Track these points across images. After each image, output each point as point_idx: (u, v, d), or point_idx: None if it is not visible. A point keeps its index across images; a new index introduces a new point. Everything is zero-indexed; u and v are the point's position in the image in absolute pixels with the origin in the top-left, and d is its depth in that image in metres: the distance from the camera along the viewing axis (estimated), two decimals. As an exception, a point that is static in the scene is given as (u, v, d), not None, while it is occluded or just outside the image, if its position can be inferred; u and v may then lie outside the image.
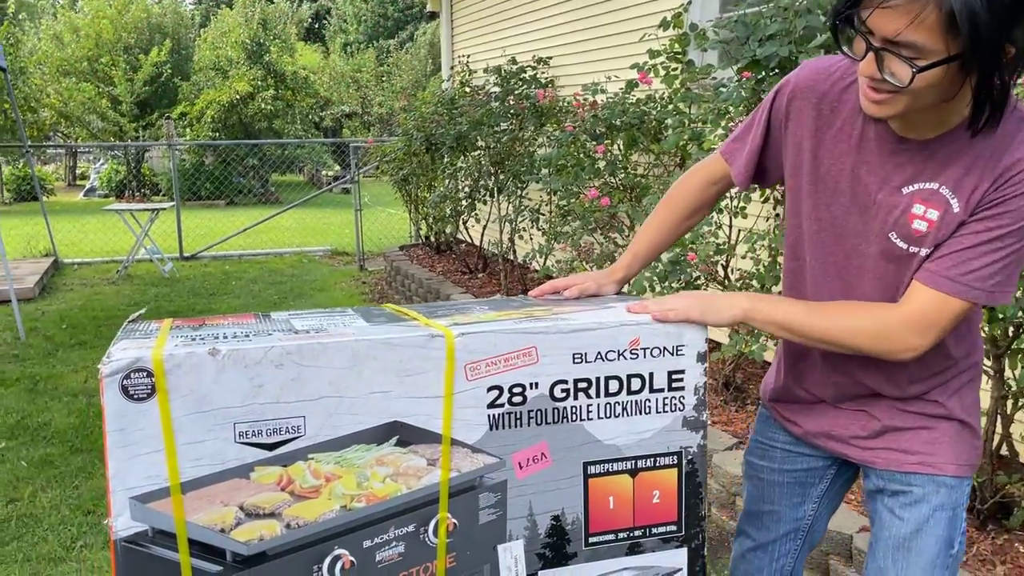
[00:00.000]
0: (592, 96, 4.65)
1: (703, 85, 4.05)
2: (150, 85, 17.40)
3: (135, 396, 1.09)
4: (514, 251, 5.92)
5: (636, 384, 1.31)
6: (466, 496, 1.25)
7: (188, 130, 17.42)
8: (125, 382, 1.09)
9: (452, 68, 7.80)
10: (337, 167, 20.84)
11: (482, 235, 6.42)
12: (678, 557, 1.37)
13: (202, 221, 11.50)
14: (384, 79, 23.52)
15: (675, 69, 4.12)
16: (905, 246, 1.26)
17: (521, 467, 1.27)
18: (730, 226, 3.54)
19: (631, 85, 4.34)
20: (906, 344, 1.25)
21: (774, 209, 3.50)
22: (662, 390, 1.33)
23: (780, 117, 1.39)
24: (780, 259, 3.37)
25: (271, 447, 1.16)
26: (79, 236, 9.40)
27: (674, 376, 1.33)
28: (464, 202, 6.03)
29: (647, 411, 1.33)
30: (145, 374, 1.10)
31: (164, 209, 7.74)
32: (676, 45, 4.15)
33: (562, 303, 1.47)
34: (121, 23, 17.28)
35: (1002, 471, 2.37)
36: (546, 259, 4.53)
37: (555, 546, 1.30)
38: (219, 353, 1.12)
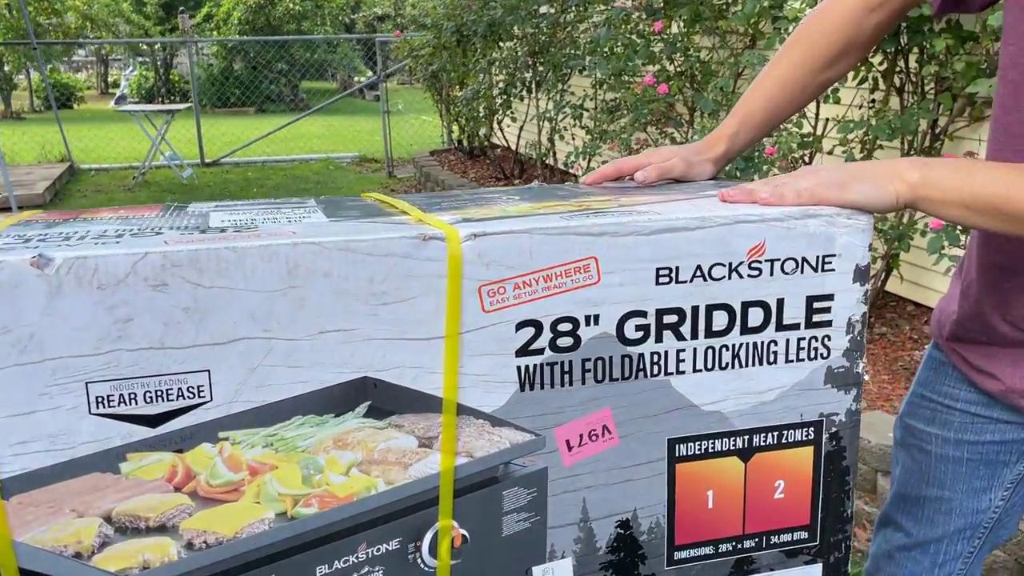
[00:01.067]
0: (647, -33, 3.98)
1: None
2: (174, -15, 16.69)
3: (-99, 338, 0.63)
4: (554, 154, 5.36)
5: (756, 317, 0.82)
6: (483, 494, 0.78)
7: (215, 33, 16.78)
8: None
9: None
10: (369, 72, 20.07)
11: (519, 137, 5.85)
12: (809, 578, 0.90)
13: (228, 127, 11.02)
14: (417, -22, 22.37)
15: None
16: None
17: (571, 448, 0.80)
18: (816, 114, 2.95)
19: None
20: None
21: (871, 93, 2.89)
22: (797, 326, 0.83)
23: None
24: (877, 153, 2.79)
25: (154, 421, 0.69)
26: (102, 143, 9.00)
27: (817, 304, 0.83)
28: (498, 99, 5.45)
29: (772, 359, 0.83)
30: (-85, 300, 0.63)
31: (180, 111, 7.27)
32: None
33: (632, 192, 0.96)
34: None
35: None
36: (590, 161, 3.98)
37: (623, 566, 0.84)
38: (51, 264, 0.65)
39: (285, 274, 0.70)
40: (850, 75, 2.93)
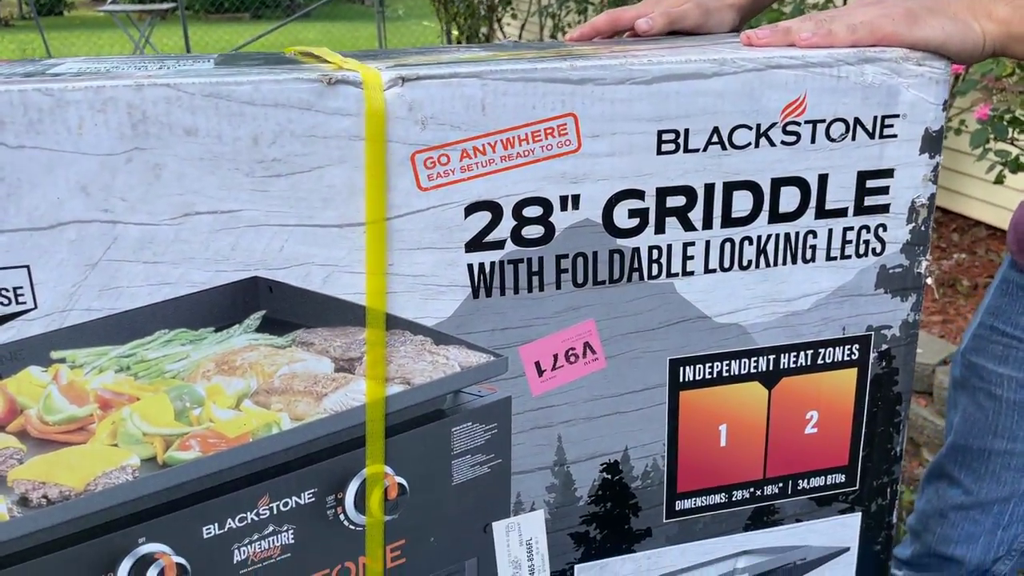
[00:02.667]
0: None
1: None
2: None
3: None
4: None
5: (791, 199, 0.61)
6: (425, 432, 0.60)
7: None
8: None
9: None
10: (369, -24, 19.25)
11: (520, 36, 5.51)
12: (845, 530, 0.72)
13: (221, 34, 10.56)
14: None
15: None
16: None
17: (542, 372, 0.61)
18: (844, -2, 2.66)
19: None
20: None
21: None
22: (844, 212, 0.63)
23: None
24: None
25: (-45, 337, 0.50)
26: (88, 49, 8.62)
27: (871, 183, 0.62)
28: (498, -6, 5.09)
29: (808, 256, 0.63)
30: None
31: (165, 11, 6.89)
32: None
33: (629, 42, 0.74)
34: None
35: None
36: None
37: (610, 519, 0.66)
38: None
39: (129, 130, 0.49)
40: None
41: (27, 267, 0.50)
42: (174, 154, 0.50)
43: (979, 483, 0.88)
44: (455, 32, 6.73)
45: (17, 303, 0.50)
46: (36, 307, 0.51)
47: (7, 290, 0.50)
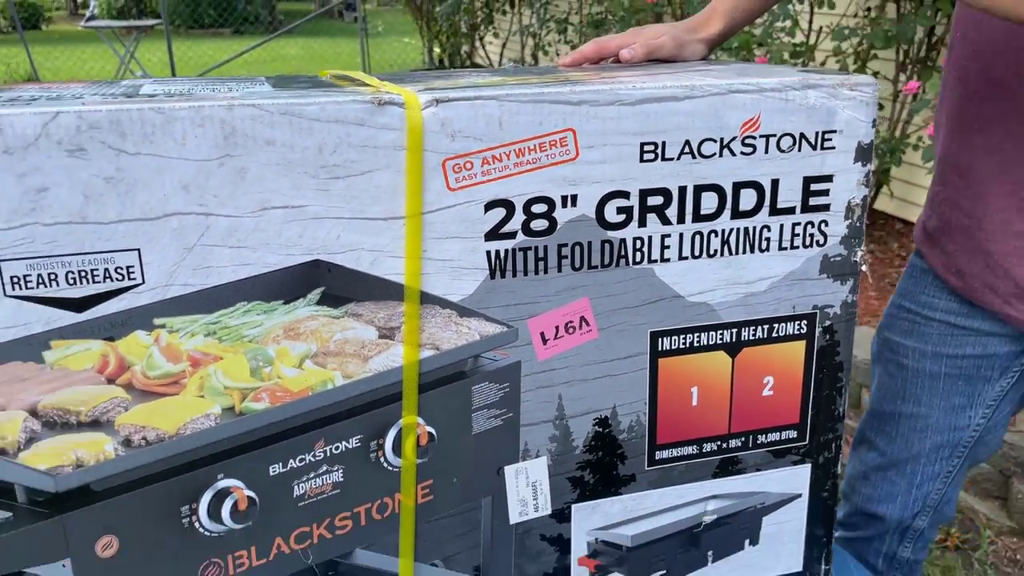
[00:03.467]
0: None
1: None
2: None
3: None
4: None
5: (748, 200, 0.75)
6: (450, 389, 0.72)
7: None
8: None
9: None
10: (349, -7, 19.41)
11: (501, 54, 5.67)
12: (797, 478, 0.85)
13: (203, 49, 10.64)
14: None
15: None
16: None
17: (545, 341, 0.74)
18: (810, 23, 2.83)
19: None
20: None
21: (867, 0, 2.77)
22: (792, 210, 0.76)
23: None
24: (871, 64, 2.69)
25: (79, 305, 0.62)
26: (71, 63, 8.67)
27: (815, 186, 0.76)
28: (480, 13, 5.25)
29: (764, 246, 0.77)
30: None
31: (150, 27, 6.98)
32: None
33: (614, 69, 0.88)
34: None
35: None
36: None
37: (601, 466, 0.79)
38: (-53, 123, 0.56)
39: (221, 140, 0.62)
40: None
41: (138, 250, 0.62)
42: (256, 160, 0.63)
43: (892, 445, 1.02)
44: (437, 50, 6.89)
45: (129, 279, 0.63)
46: (144, 282, 0.63)
47: (121, 268, 0.62)
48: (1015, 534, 1.76)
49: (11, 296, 0.60)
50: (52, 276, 0.61)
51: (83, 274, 0.61)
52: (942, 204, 0.96)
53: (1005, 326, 0.94)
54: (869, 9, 2.77)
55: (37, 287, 0.61)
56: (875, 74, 2.91)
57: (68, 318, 0.62)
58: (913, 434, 1.01)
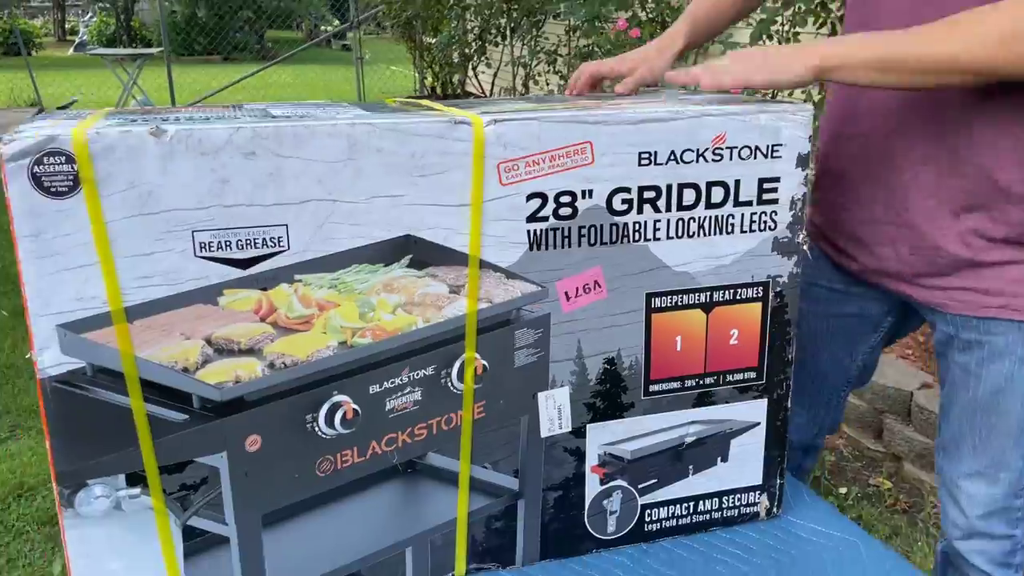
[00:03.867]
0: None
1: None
2: (136, -72, 16.28)
3: (52, 189, 0.80)
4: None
5: (718, 195, 1.02)
6: (499, 333, 0.98)
7: (177, -22, 16.43)
8: (36, 168, 0.79)
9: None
10: (337, 22, 19.80)
11: (493, 82, 5.97)
12: (757, 410, 1.11)
13: (197, 76, 10.91)
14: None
15: None
16: None
17: (568, 298, 1.00)
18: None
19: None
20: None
21: (830, 36, 3.09)
22: (750, 203, 1.03)
23: None
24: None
25: (244, 264, 0.88)
26: (69, 89, 8.90)
27: (766, 185, 1.03)
28: (473, 45, 5.56)
29: (729, 230, 1.03)
30: (64, 159, 0.80)
31: (152, 55, 7.24)
32: None
33: (614, 97, 1.15)
34: None
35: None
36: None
37: (608, 395, 1.04)
38: (165, 134, 0.82)
39: (346, 148, 0.88)
40: (810, 21, 3.13)
41: (285, 225, 0.88)
42: (369, 162, 0.89)
43: (796, 387, 1.27)
44: (429, 79, 7.19)
45: (279, 246, 0.88)
46: (288, 249, 0.88)
47: (274, 238, 0.88)
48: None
49: (199, 256, 0.86)
50: (227, 243, 0.86)
51: (248, 242, 0.87)
52: (822, 201, 1.26)
53: (876, 290, 1.22)
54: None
55: (216, 250, 0.86)
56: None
57: (235, 273, 0.87)
58: (809, 377, 1.30)
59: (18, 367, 2.71)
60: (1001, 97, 1.02)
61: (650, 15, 3.78)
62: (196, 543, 0.93)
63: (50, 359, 0.84)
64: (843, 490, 2.15)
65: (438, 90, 6.95)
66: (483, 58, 5.59)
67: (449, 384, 0.97)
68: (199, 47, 15.71)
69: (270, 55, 16.38)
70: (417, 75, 7.64)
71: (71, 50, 17.56)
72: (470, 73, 6.16)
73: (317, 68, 13.23)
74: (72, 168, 0.80)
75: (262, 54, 16.35)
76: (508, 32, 5.18)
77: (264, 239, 0.87)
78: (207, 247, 0.86)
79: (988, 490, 1.16)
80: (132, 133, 0.81)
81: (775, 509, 1.16)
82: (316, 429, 0.92)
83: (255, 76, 9.21)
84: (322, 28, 19.88)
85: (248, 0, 15.68)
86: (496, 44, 5.42)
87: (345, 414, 0.93)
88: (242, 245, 0.87)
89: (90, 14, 19.15)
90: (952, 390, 1.17)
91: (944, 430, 1.20)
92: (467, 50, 5.62)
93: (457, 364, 0.97)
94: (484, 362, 0.98)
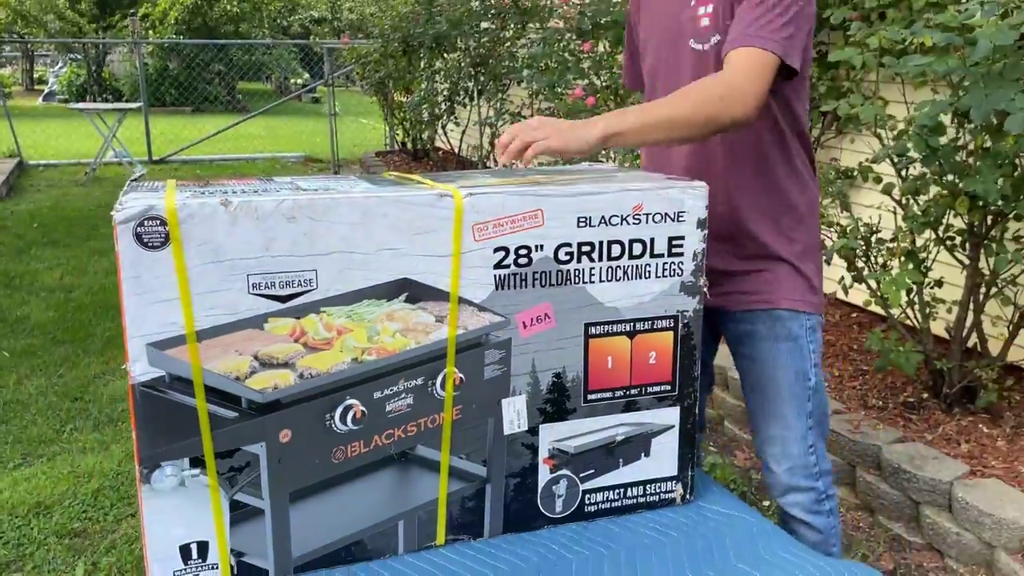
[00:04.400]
0: (577, -6, 4.55)
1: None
2: (109, -17, 16.65)
3: (149, 244, 1.10)
4: (493, 156, 5.88)
5: (637, 249, 1.35)
6: (472, 352, 1.29)
7: (150, 32, 16.77)
8: (139, 229, 1.10)
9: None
10: (306, 75, 20.27)
11: (460, 140, 6.35)
12: (671, 415, 1.43)
13: (169, 127, 11.21)
14: (355, -18, 22.66)
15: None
16: (701, 46, 1.50)
17: (525, 326, 1.31)
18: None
19: (617, -18, 4.25)
20: (743, 91, 1.39)
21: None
22: (662, 255, 1.36)
23: (632, 21, 1.73)
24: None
25: (284, 299, 1.18)
26: (42, 139, 9.13)
27: (674, 242, 1.37)
28: (443, 105, 5.95)
29: (647, 275, 1.36)
30: (158, 222, 1.10)
31: (132, 110, 7.53)
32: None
33: (557, 173, 1.48)
34: (78, -84, 16.39)
35: (972, 359, 2.48)
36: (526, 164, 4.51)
37: (556, 402, 1.36)
38: (231, 204, 1.13)
39: (361, 215, 1.19)
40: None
41: (315, 271, 1.18)
42: (378, 224, 1.20)
43: None
44: (400, 135, 7.56)
45: (310, 286, 1.19)
46: (317, 288, 1.19)
47: (306, 280, 1.18)
48: (859, 509, 2.34)
49: (251, 293, 1.16)
50: (272, 283, 1.17)
51: (287, 283, 1.17)
52: None
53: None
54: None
55: (264, 289, 1.16)
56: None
57: (277, 306, 1.18)
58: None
59: (23, 402, 2.93)
60: (732, 149, 1.49)
61: (604, 83, 4.18)
62: (239, 513, 1.22)
63: (140, 369, 1.13)
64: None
65: (408, 145, 7.33)
66: (452, 117, 5.96)
67: (434, 392, 1.28)
68: (169, 98, 16.00)
69: (240, 106, 16.75)
70: (388, 130, 8.01)
71: (40, 100, 17.74)
72: (439, 131, 6.53)
73: (287, 120, 13.57)
74: (164, 229, 1.10)
75: (232, 105, 16.70)
76: (476, 94, 5.57)
77: (299, 280, 1.18)
78: (257, 287, 1.16)
79: (784, 450, 1.52)
80: (207, 204, 1.12)
81: (688, 495, 1.47)
82: (333, 425, 1.22)
83: (232, 127, 9.52)
84: (292, 81, 20.31)
85: (221, 54, 16.05)
86: (464, 105, 5.81)
87: (355, 414, 1.23)
88: (283, 285, 1.17)
89: (60, 64, 19.37)
90: (743, 376, 1.58)
91: (749, 411, 1.58)
92: (437, 110, 6.00)
93: (440, 376, 1.27)
94: (461, 375, 1.28)
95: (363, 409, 1.23)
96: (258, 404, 1.18)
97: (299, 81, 19.73)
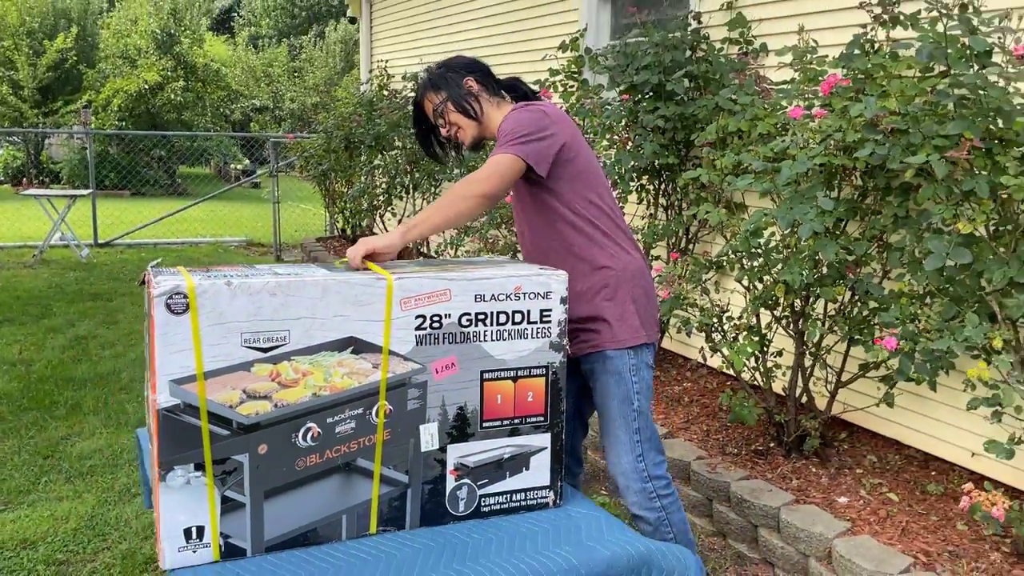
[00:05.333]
0: (499, 106, 5.24)
1: (594, 101, 4.69)
2: (53, 71, 17.07)
3: (175, 311, 1.61)
4: (427, 243, 6.45)
5: (519, 317, 1.90)
6: (399, 390, 1.81)
7: (93, 118, 17.13)
8: (169, 301, 1.60)
9: (371, 71, 8.27)
10: (246, 160, 20.81)
11: (396, 229, 6.94)
12: (545, 439, 1.96)
13: (111, 210, 11.54)
14: (296, 75, 23.56)
15: (572, 86, 4.75)
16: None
17: (437, 372, 1.84)
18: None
19: (533, 98, 4.95)
20: (481, 179, 1.95)
21: (647, 209, 4.17)
22: (536, 322, 1.92)
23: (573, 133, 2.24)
24: (653, 251, 4.04)
25: (266, 350, 1.69)
26: (3, 219, 9.36)
27: (544, 313, 1.92)
28: (381, 197, 6.53)
29: (525, 337, 1.91)
30: (182, 296, 1.61)
31: (82, 196, 7.91)
32: (573, 66, 4.79)
33: (466, 264, 2.04)
34: (26, 7, 16.88)
35: (803, 414, 3.09)
36: (456, 250, 5.09)
37: (459, 428, 1.87)
38: (232, 284, 1.64)
39: (321, 292, 1.72)
40: (634, 196, 4.21)
41: (288, 331, 1.70)
42: (333, 299, 1.73)
43: (571, 428, 2.19)
44: (340, 222, 8.10)
45: (284, 342, 1.70)
46: (289, 343, 1.70)
47: (280, 337, 1.69)
48: (714, 535, 2.87)
49: (243, 346, 1.66)
50: (258, 339, 1.67)
51: (269, 339, 1.68)
52: None
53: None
54: (651, 215, 4.15)
55: (252, 343, 1.67)
56: (657, 257, 4.27)
57: (260, 355, 1.68)
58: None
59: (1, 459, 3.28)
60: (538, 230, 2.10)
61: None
62: (227, 506, 1.68)
63: (163, 399, 1.61)
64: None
65: (348, 232, 7.86)
66: (389, 208, 6.54)
67: (370, 418, 1.78)
68: (109, 182, 16.27)
69: (180, 190, 17.13)
70: (328, 217, 8.54)
71: (24, 192, 17.78)
72: (378, 219, 7.09)
73: (227, 204, 13.98)
74: (185, 301, 1.61)
75: (172, 189, 17.04)
76: (411, 188, 6.18)
77: (277, 337, 1.69)
78: (248, 341, 1.67)
79: (618, 460, 2.06)
80: (215, 284, 1.63)
81: (558, 500, 1.99)
82: (297, 442, 1.71)
83: (178, 212, 9.92)
84: (232, 166, 20.77)
85: (163, 140, 16.48)
86: (401, 197, 6.40)
87: (313, 434, 1.72)
88: (265, 340, 1.68)
89: (-3, 146, 19.48)
90: (596, 405, 2.13)
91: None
92: (376, 201, 6.58)
93: (375, 407, 1.78)
94: (390, 407, 1.79)
95: (319, 430, 1.73)
96: (244, 425, 1.67)
97: (239, 166, 20.24)
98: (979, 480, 2.85)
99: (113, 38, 18.73)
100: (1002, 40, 2.22)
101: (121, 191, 16.32)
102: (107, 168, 16.36)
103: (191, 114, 18.40)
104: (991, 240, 2.29)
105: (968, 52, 2.20)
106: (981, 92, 2.18)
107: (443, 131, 2.20)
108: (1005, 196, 2.24)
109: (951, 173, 2.24)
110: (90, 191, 8.26)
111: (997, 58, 2.36)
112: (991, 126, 2.21)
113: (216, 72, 18.95)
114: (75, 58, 17.35)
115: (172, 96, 17.32)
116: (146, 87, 16.96)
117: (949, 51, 2.24)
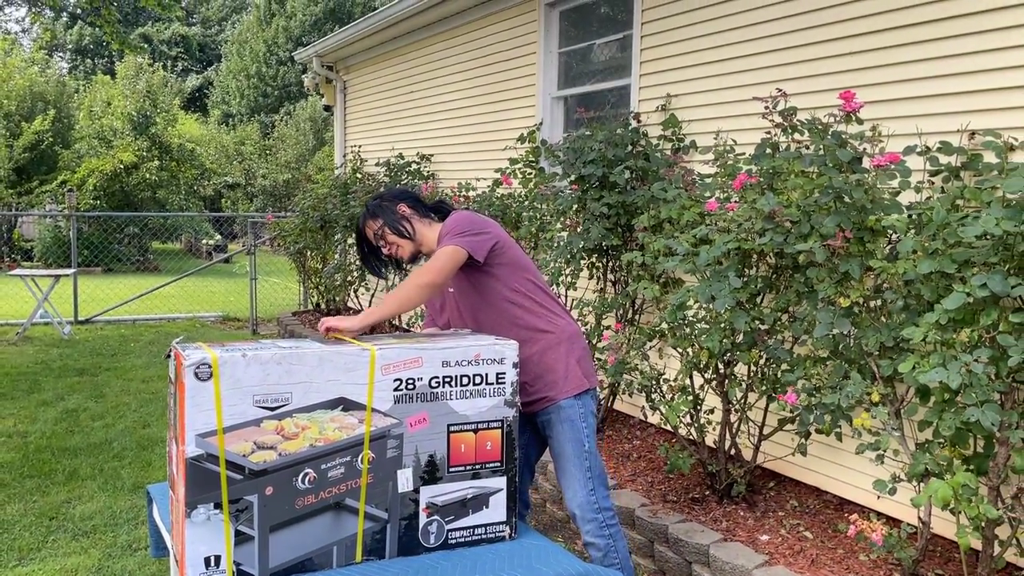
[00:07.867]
0: (465, 191, 5.75)
1: (550, 188, 5.22)
2: (30, 152, 17.45)
3: (201, 378, 2.01)
4: (400, 316, 6.87)
5: (478, 379, 2.32)
6: (380, 441, 2.21)
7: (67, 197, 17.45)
8: (196, 370, 2.00)
9: (345, 156, 8.80)
10: (218, 236, 21.19)
11: (370, 302, 7.31)
12: (501, 482, 2.36)
13: (86, 287, 11.82)
14: (268, 153, 24.19)
15: (530, 174, 5.27)
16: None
17: (412, 425, 2.24)
18: (566, 295, 4.65)
19: (497, 183, 5.47)
20: (432, 269, 2.40)
21: (597, 284, 4.65)
22: (493, 383, 2.34)
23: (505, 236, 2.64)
24: (604, 321, 4.50)
25: (272, 409, 2.08)
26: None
27: (499, 375, 2.35)
28: (355, 273, 6.96)
29: (484, 395, 2.33)
30: (207, 366, 2.01)
31: (66, 276, 8.23)
32: (530, 155, 5.33)
33: (434, 337, 2.47)
34: (3, 91, 17.35)
35: (731, 464, 3.51)
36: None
37: (430, 472, 2.27)
38: (247, 356, 2.05)
39: (318, 361, 2.13)
40: (585, 272, 4.69)
41: (291, 392, 2.10)
42: (328, 367, 2.14)
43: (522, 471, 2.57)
44: (315, 297, 8.49)
45: (288, 402, 2.10)
46: (292, 403, 2.10)
47: (285, 398, 2.10)
48: (655, 573, 3.26)
49: (254, 406, 2.06)
50: (266, 400, 2.08)
51: (275, 399, 2.08)
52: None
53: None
54: (601, 289, 4.62)
55: (262, 403, 2.07)
56: (608, 327, 4.72)
57: (268, 413, 2.08)
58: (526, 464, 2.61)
59: (8, 521, 3.56)
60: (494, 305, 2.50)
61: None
62: (239, 538, 2.05)
63: (191, 450, 2.00)
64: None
65: (322, 306, 8.25)
66: (363, 283, 6.96)
67: (356, 464, 2.17)
68: (82, 259, 16.51)
69: (151, 266, 17.41)
70: (303, 292, 8.93)
71: (11, 273, 17.88)
72: (352, 294, 7.51)
73: (199, 280, 14.29)
74: (210, 369, 2.01)
75: (143, 265, 17.32)
76: (382, 265, 6.64)
77: (281, 398, 2.09)
78: (258, 402, 2.07)
79: (574, 494, 2.46)
80: (233, 356, 2.04)
81: (513, 534, 2.38)
82: (296, 485, 2.10)
83: (142, 288, 10.23)
84: (204, 241, 21.10)
85: (134, 217, 16.82)
86: (373, 274, 6.86)
87: (310, 478, 2.11)
88: (272, 401, 2.08)
89: (-32, 224, 19.64)
90: (550, 450, 2.52)
91: (556, 473, 2.53)
92: (350, 277, 7.00)
93: (360, 455, 2.18)
94: (373, 455, 2.19)
95: (314, 475, 2.12)
96: (254, 471, 2.05)
97: (211, 242, 20.59)
98: (890, 520, 3.28)
99: (87, 119, 19.22)
100: (867, 150, 2.75)
101: (93, 268, 16.56)
102: (81, 245, 16.61)
103: (166, 192, 18.81)
104: (868, 312, 2.78)
105: (838, 161, 2.73)
106: (848, 194, 2.69)
107: (385, 251, 2.68)
108: (875, 276, 2.73)
109: (829, 258, 2.74)
110: (72, 270, 8.58)
111: (867, 163, 2.89)
112: (860, 221, 2.73)
113: (191, 151, 19.45)
114: (51, 139, 17.76)
115: (147, 175, 17.74)
116: (121, 167, 17.38)
117: (827, 160, 2.76)
